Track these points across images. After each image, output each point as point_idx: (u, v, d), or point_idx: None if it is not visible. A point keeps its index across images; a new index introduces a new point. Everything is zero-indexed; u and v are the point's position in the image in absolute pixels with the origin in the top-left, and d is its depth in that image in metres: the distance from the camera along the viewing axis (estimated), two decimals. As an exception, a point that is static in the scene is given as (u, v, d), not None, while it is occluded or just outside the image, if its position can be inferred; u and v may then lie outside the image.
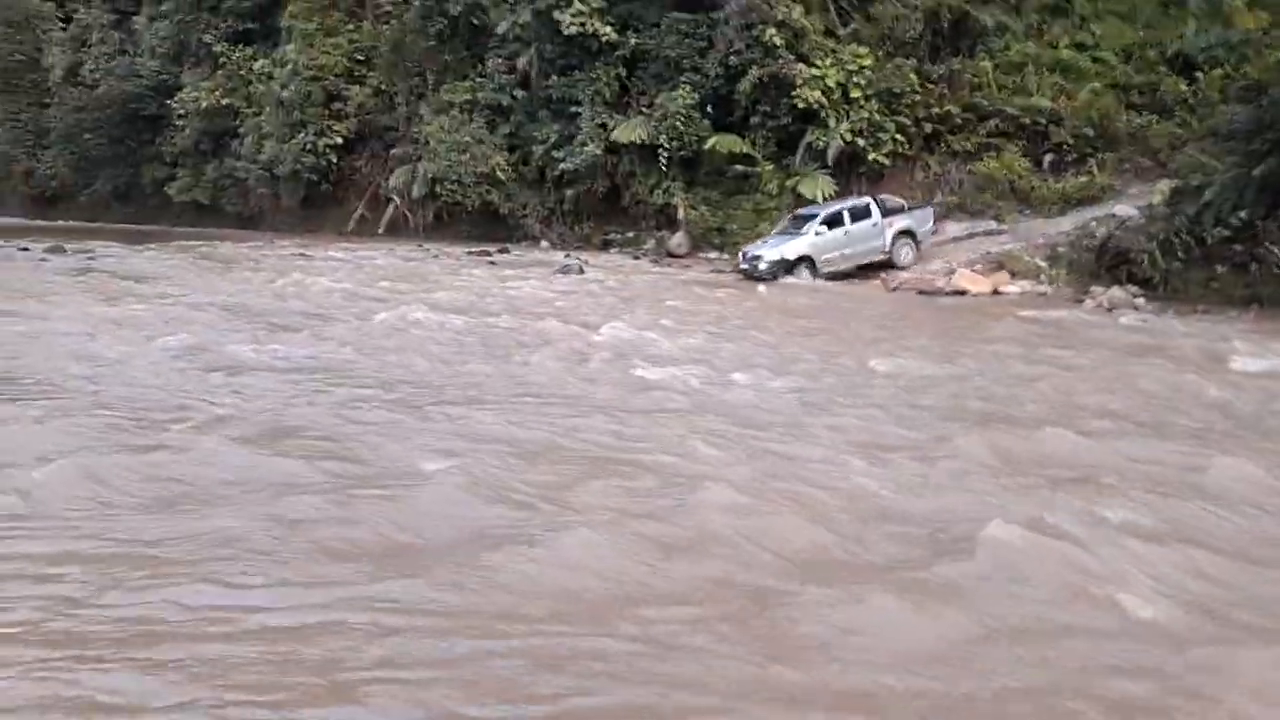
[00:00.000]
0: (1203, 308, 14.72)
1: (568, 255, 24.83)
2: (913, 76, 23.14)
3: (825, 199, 22.74)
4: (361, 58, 34.91)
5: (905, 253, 19.95)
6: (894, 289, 19.07)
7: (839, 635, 3.74)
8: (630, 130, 26.34)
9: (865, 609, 3.94)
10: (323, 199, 35.93)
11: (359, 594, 4.01)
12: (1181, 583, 4.29)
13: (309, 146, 34.01)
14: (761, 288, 18.58)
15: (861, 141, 23.17)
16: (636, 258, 25.73)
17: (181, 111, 38.63)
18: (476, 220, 30.41)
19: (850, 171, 23.96)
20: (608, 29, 27.10)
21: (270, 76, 35.70)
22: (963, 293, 17.84)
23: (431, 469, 5.60)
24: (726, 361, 10.14)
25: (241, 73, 37.46)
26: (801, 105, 23.39)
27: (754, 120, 24.78)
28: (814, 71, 23.35)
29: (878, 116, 23.15)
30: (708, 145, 25.04)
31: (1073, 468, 6.07)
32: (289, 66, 34.61)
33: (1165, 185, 17.28)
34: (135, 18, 43.73)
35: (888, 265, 19.80)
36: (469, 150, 29.28)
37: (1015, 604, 4.06)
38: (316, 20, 35.42)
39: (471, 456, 5.88)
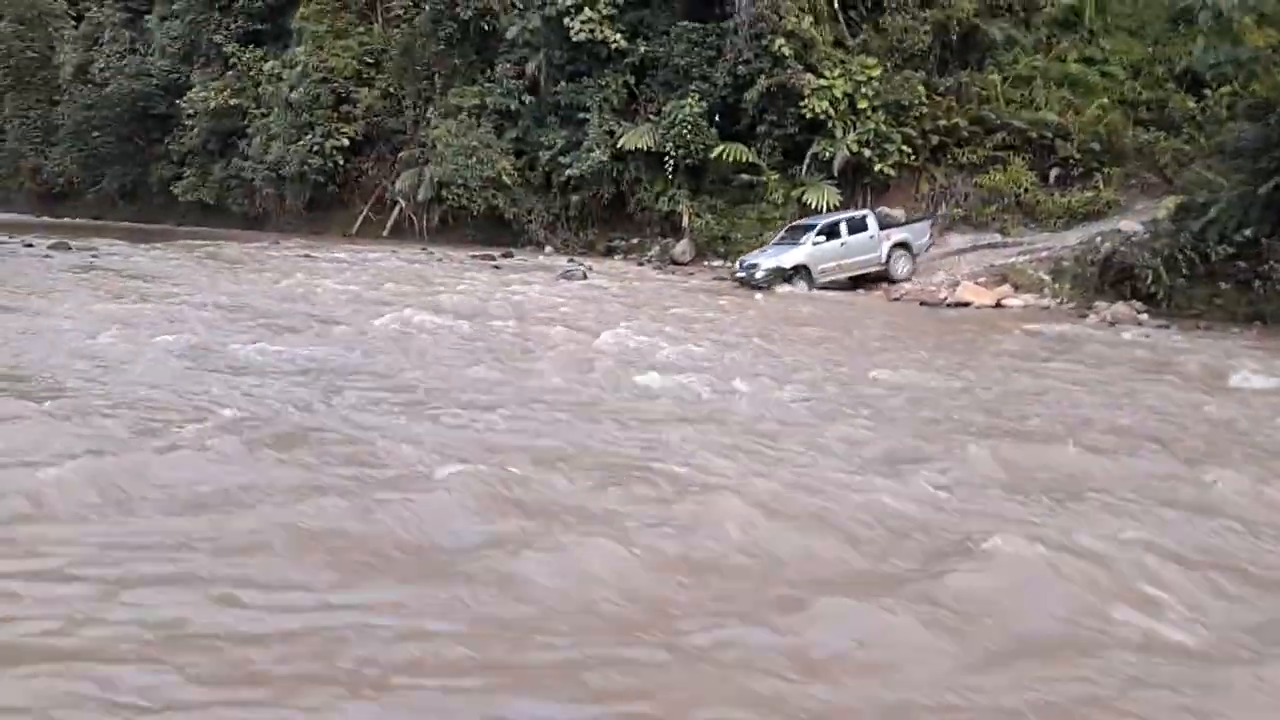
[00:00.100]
0: (1206, 324, 14.70)
1: (571, 260, 24.88)
2: (920, 88, 23.18)
3: (830, 209, 22.81)
4: (371, 60, 35.03)
5: (902, 265, 20.09)
6: (896, 300, 19.09)
7: (860, 649, 3.74)
8: (637, 137, 26.39)
9: (885, 622, 3.93)
10: (329, 201, 36.01)
11: (381, 598, 4.00)
12: (1196, 600, 4.27)
13: (316, 148, 34.10)
14: (759, 295, 18.66)
15: (868, 152, 23.20)
16: (640, 264, 25.77)
17: (190, 111, 38.76)
18: (481, 224, 30.47)
19: (856, 182, 24.00)
20: (617, 36, 27.16)
21: (279, 78, 35.81)
22: (966, 305, 17.85)
23: (445, 474, 5.57)
24: (732, 370, 10.13)
25: (251, 73, 37.58)
26: (809, 115, 23.44)
27: (761, 129, 24.84)
28: (822, 82, 23.39)
29: (884, 128, 23.19)
30: (714, 154, 25.07)
31: (1081, 482, 6.05)
32: (298, 68, 34.73)
33: (1171, 201, 17.28)
34: (147, 17, 43.92)
35: (883, 277, 19.96)
36: (476, 154, 29.34)
37: (1030, 620, 4.05)
38: (327, 22, 35.54)
39: (486, 463, 5.86)
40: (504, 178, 29.36)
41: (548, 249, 29.05)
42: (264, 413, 7.19)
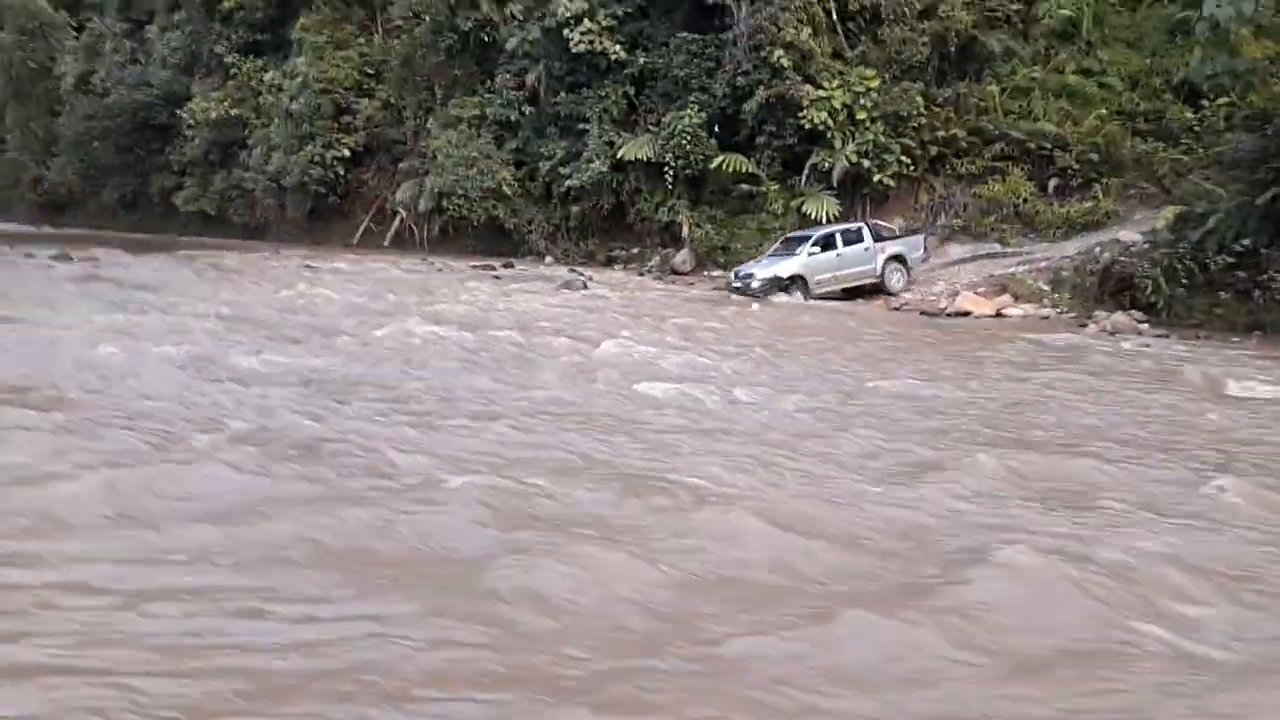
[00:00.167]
0: (1206, 334, 14.78)
1: (572, 271, 24.94)
2: (919, 99, 23.28)
3: (830, 219, 22.94)
4: (371, 71, 35.17)
5: (896, 277, 20.34)
6: (896, 309, 19.16)
7: (892, 662, 3.73)
8: (637, 148, 26.49)
9: (913, 634, 3.92)
10: (329, 211, 36.08)
11: (401, 610, 4.00)
12: (1221, 612, 4.27)
13: (317, 159, 34.20)
14: (755, 305, 18.82)
15: (867, 163, 23.29)
16: (641, 274, 25.84)
17: (191, 121, 38.88)
18: (482, 235, 30.55)
19: (855, 192, 24.10)
20: (616, 47, 27.29)
21: (280, 88, 35.93)
22: (965, 314, 17.92)
23: (459, 485, 5.57)
24: (736, 380, 10.16)
25: (251, 84, 37.72)
26: (807, 126, 23.55)
27: (760, 140, 24.94)
28: (821, 93, 23.50)
29: (883, 138, 23.29)
30: (714, 164, 25.16)
31: (1092, 492, 6.07)
32: (299, 79, 34.84)
33: (1170, 211, 17.36)
34: (148, 27, 44.11)
35: (878, 289, 20.16)
36: (476, 165, 29.43)
37: (1056, 631, 4.04)
38: (327, 33, 35.70)
39: (500, 474, 5.86)
40: (504, 188, 29.45)
41: (548, 259, 29.12)
42: (273, 424, 7.19)
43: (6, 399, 7.62)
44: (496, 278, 24.09)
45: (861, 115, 23.43)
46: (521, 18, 29.42)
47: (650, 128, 27.15)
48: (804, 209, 23.84)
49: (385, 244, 33.55)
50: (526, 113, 30.04)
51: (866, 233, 20.50)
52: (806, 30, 23.88)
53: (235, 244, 34.45)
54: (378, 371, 10.03)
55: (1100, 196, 20.84)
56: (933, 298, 19.39)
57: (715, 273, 24.69)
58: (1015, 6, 23.90)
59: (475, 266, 26.29)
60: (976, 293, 18.96)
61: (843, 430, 7.79)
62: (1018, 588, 4.36)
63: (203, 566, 4.38)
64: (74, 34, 47.22)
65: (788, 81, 23.61)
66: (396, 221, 33.84)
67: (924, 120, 23.31)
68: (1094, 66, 23.17)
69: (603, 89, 27.88)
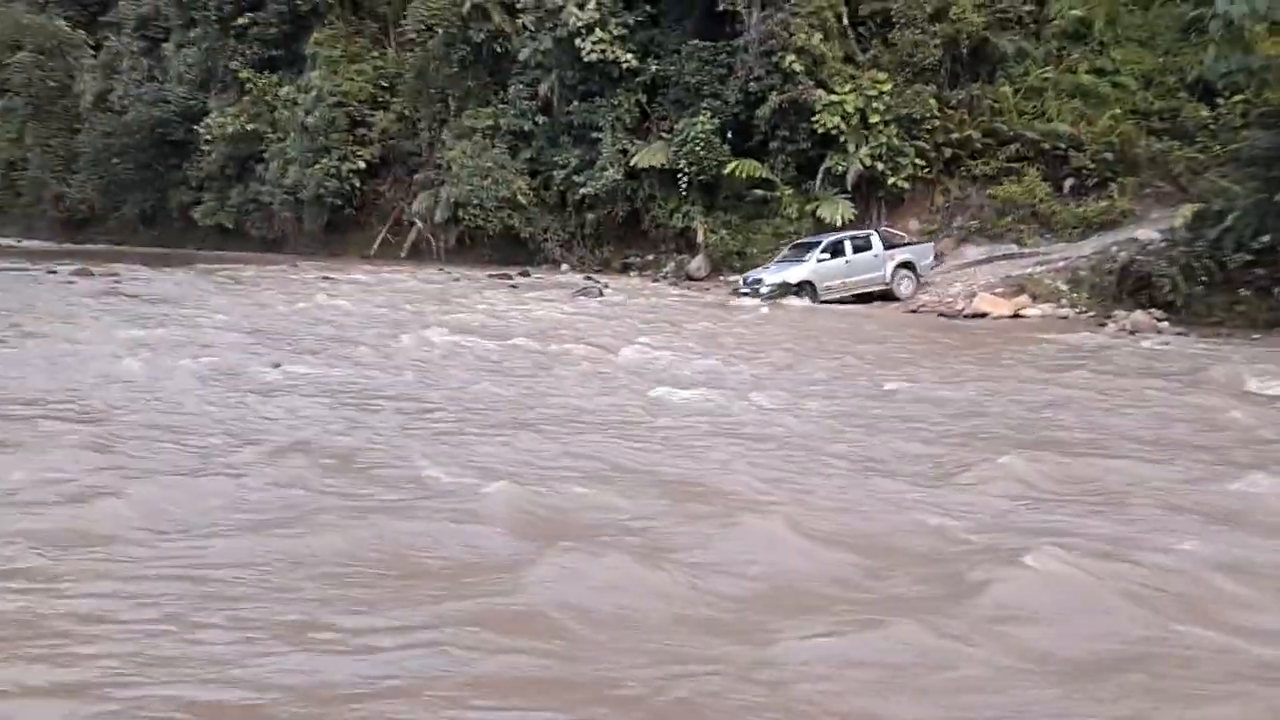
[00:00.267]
0: (1225, 331, 14.70)
1: (587, 278, 25.04)
2: (932, 102, 23.28)
3: (845, 223, 23.01)
4: (385, 84, 35.38)
5: (905, 284, 20.44)
6: (913, 311, 19.15)
7: (943, 669, 3.72)
8: (650, 155, 26.57)
9: (960, 640, 3.92)
10: (346, 223, 36.30)
11: (451, 619, 4.03)
12: (1267, 614, 4.24)
13: (333, 171, 34.41)
14: (764, 308, 18.88)
15: (881, 166, 23.30)
16: (656, 281, 25.91)
17: (208, 137, 39.17)
18: (498, 244, 30.69)
19: (870, 196, 24.10)
20: (628, 56, 27.40)
21: (295, 102, 36.19)
22: (983, 315, 17.89)
23: (494, 492, 5.61)
24: (758, 384, 10.20)
25: (267, 99, 37.99)
26: (821, 130, 23.58)
27: (773, 145, 24.98)
28: (833, 97, 23.53)
29: (897, 141, 23.29)
30: (727, 170, 25.20)
31: (1125, 493, 6.07)
32: (314, 92, 35.09)
33: (1187, 210, 17.28)
34: (164, 45, 44.48)
35: (887, 295, 20.22)
36: (491, 175, 29.58)
37: (1104, 635, 4.03)
38: (341, 47, 35.96)
39: (537, 483, 5.89)
40: (519, 197, 29.58)
41: (564, 267, 29.22)
42: (302, 437, 7.26)
43: (41, 414, 7.73)
44: (513, 286, 24.22)
45: (874, 119, 23.43)
46: (533, 28, 29.54)
47: (663, 135, 27.23)
48: (818, 213, 23.86)
49: (402, 255, 33.72)
50: (540, 122, 30.17)
51: (876, 240, 20.67)
52: (818, 35, 23.91)
53: (253, 257, 34.70)
54: (401, 381, 10.12)
55: (1116, 196, 20.77)
56: (950, 299, 19.36)
57: (731, 278, 24.69)
58: (1027, 7, 23.87)
59: (492, 276, 26.43)
60: (994, 294, 18.92)
61: (872, 434, 7.82)
62: (1065, 592, 4.34)
63: (252, 578, 4.44)
64: (92, 53, 47.67)
65: (800, 86, 23.65)
66: (413, 232, 34.02)
67: (938, 122, 23.31)
68: (1107, 66, 23.08)
69: (615, 97, 27.99)
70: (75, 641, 3.74)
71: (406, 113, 34.72)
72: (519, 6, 29.77)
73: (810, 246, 20.95)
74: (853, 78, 24.00)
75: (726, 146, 25.69)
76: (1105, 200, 20.83)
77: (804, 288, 19.99)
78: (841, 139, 23.58)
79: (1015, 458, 6.72)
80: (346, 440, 7.17)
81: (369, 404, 8.70)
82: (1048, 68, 23.58)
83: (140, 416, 7.87)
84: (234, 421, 7.75)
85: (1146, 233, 18.48)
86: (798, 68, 23.62)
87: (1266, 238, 14.76)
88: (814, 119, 23.53)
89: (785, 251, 21.99)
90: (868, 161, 23.28)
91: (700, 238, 26.18)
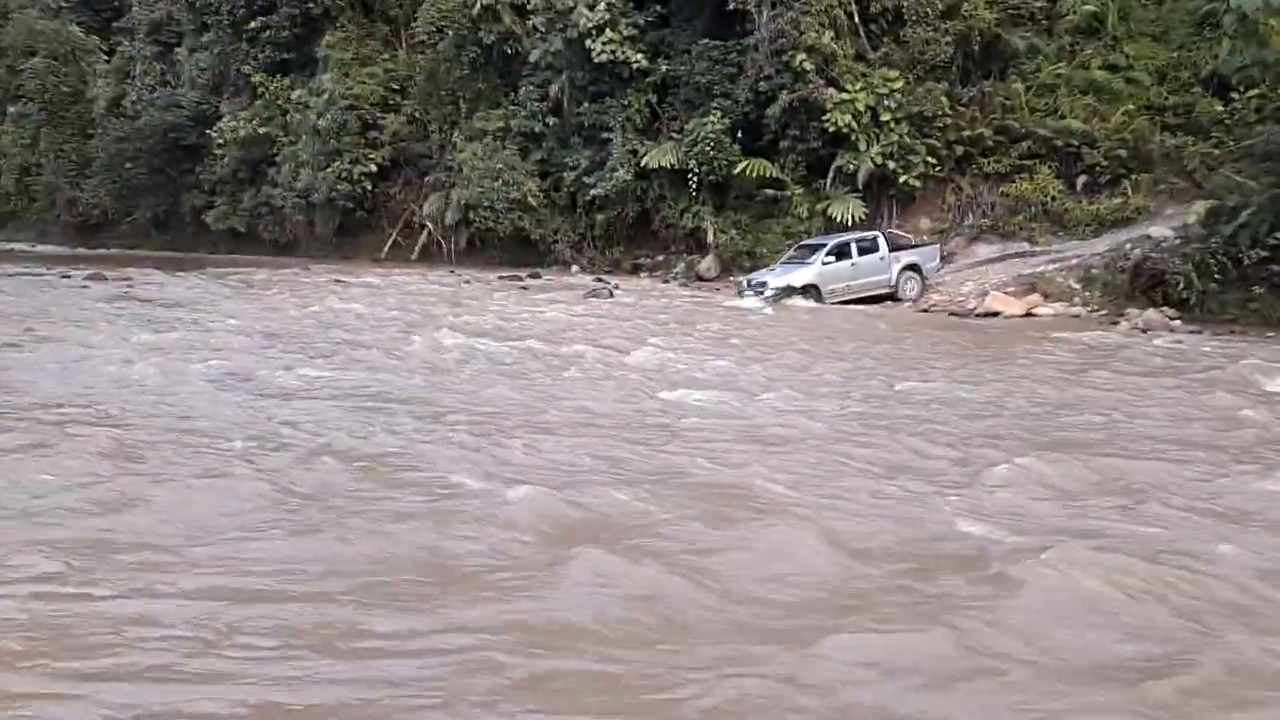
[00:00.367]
0: (1240, 329, 14.60)
1: (598, 279, 25.05)
2: (943, 99, 23.20)
3: (856, 222, 22.97)
4: (396, 87, 35.47)
5: (911, 286, 20.37)
6: (925, 311, 19.08)
7: (981, 673, 3.72)
8: (660, 155, 26.55)
9: (995, 642, 3.93)
10: (357, 226, 36.41)
11: (490, 622, 4.07)
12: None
13: (344, 174, 34.51)
14: (768, 309, 18.87)
15: (892, 164, 23.22)
16: (666, 281, 25.91)
17: (220, 141, 39.33)
18: (508, 246, 30.74)
19: (881, 194, 24.02)
20: (638, 56, 27.39)
21: (307, 106, 36.32)
22: (995, 314, 17.83)
23: (519, 497, 5.64)
24: (773, 385, 10.18)
25: (279, 102, 38.13)
26: (831, 129, 23.51)
27: (784, 144, 24.91)
28: (844, 96, 23.46)
29: (908, 139, 23.21)
30: (737, 170, 25.15)
31: (1149, 492, 6.06)
32: (325, 96, 35.21)
33: (1201, 206, 17.18)
34: (177, 50, 44.69)
35: (892, 298, 20.17)
36: (501, 177, 29.62)
37: (1140, 636, 4.03)
38: (352, 50, 36.07)
39: (559, 486, 5.92)
40: (530, 199, 29.61)
41: (574, 268, 29.24)
42: (323, 440, 7.28)
43: (62, 419, 7.77)
44: (524, 288, 24.26)
45: (886, 117, 23.36)
46: (543, 29, 29.57)
47: (673, 135, 27.21)
48: (829, 212, 23.80)
49: (413, 257, 33.82)
50: (550, 124, 30.20)
51: (882, 242, 20.58)
52: (828, 33, 23.83)
53: (265, 260, 34.85)
54: (415, 385, 10.13)
55: (1130, 193, 20.65)
56: (961, 298, 19.30)
57: (741, 278, 24.66)
58: (1039, 3, 23.76)
59: (502, 277, 26.48)
60: (1006, 292, 18.84)
61: (892, 435, 7.81)
62: (1105, 594, 4.34)
63: (292, 581, 4.47)
64: (105, 58, 47.94)
65: (810, 85, 23.58)
66: (424, 235, 34.11)
67: (949, 120, 23.22)
68: (1120, 61, 22.93)
69: (625, 98, 27.99)
70: (107, 651, 3.76)
71: (417, 115, 34.80)
72: (529, 8, 29.80)
73: (815, 248, 20.84)
74: (863, 76, 23.93)
75: (737, 146, 25.64)
76: (1118, 197, 20.71)
77: (809, 291, 19.89)
78: (852, 137, 23.51)
79: (1037, 458, 6.72)
80: (368, 445, 7.18)
81: (385, 407, 8.71)
82: (1060, 64, 23.46)
83: (160, 421, 7.90)
84: (253, 425, 7.77)
85: (1160, 230, 18.36)
86: (808, 66, 23.55)
87: (1282, 234, 14.65)
88: (825, 118, 23.47)
89: (790, 253, 21.90)
90: (879, 160, 23.20)
91: (710, 238, 26.15)
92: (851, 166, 23.63)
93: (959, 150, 23.21)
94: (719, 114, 25.50)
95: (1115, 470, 6.57)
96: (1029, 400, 9.36)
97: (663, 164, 26.40)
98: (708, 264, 26.00)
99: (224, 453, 6.77)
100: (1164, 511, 5.65)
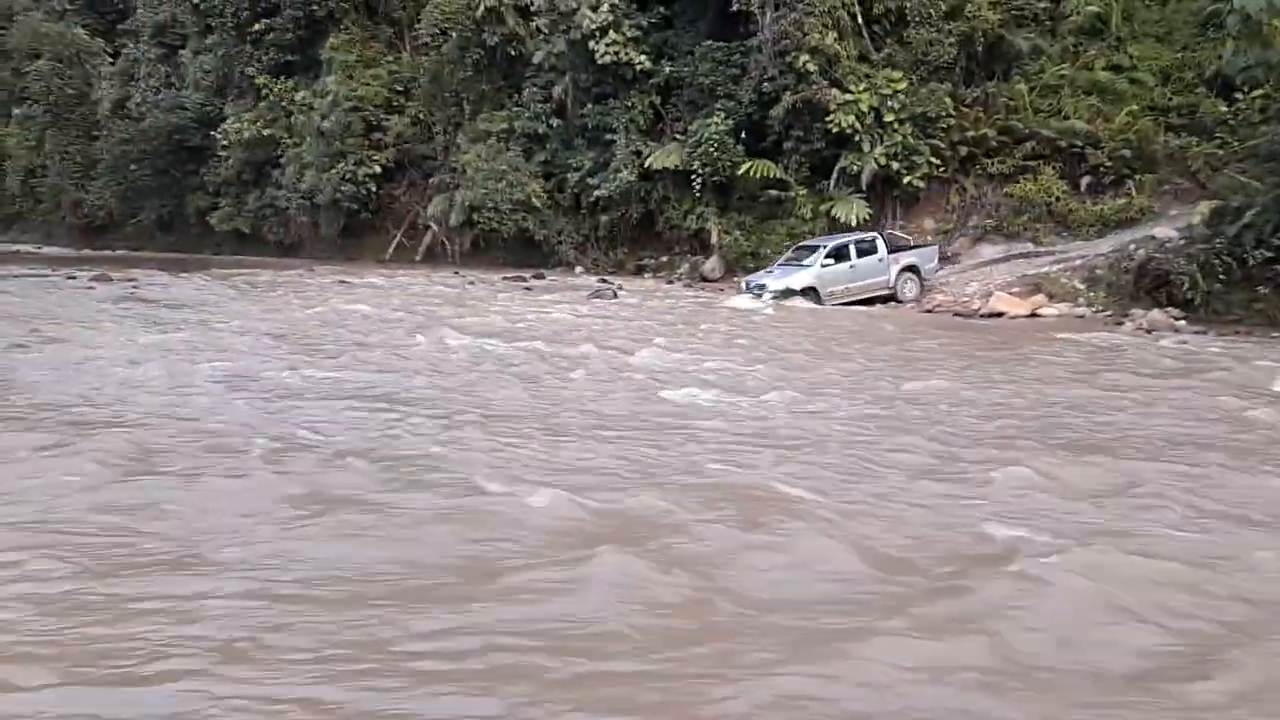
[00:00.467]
0: (1245, 329, 14.60)
1: (602, 280, 25.08)
2: (947, 100, 23.21)
3: (860, 223, 22.97)
4: (400, 88, 35.54)
5: (910, 288, 20.37)
6: (929, 311, 19.09)
7: (1025, 672, 3.73)
8: (664, 157, 26.57)
9: (1035, 644, 3.95)
10: (362, 227, 36.47)
11: (524, 618, 4.11)
12: None
13: (348, 176, 34.58)
14: (768, 309, 18.89)
15: (896, 165, 23.23)
16: (670, 282, 25.94)
17: (224, 142, 39.41)
18: (512, 247, 30.79)
19: (885, 195, 24.04)
20: (642, 58, 27.43)
21: (311, 107, 36.37)
22: (999, 315, 17.84)
23: (543, 501, 5.67)
24: (781, 385, 10.20)
25: (283, 104, 38.18)
26: (835, 130, 23.52)
27: (787, 145, 24.93)
28: (848, 96, 23.46)
29: (912, 140, 23.22)
30: (741, 171, 25.16)
31: (1163, 494, 6.08)
32: (329, 97, 35.27)
33: (1205, 207, 17.18)
34: (181, 52, 44.77)
35: (891, 299, 20.13)
36: (505, 178, 29.67)
37: (1174, 640, 4.03)
38: (356, 52, 36.14)
39: (580, 487, 5.96)
40: (534, 200, 29.65)
41: (578, 269, 29.28)
42: (338, 441, 7.32)
43: (76, 420, 7.80)
44: (528, 289, 24.31)
45: (889, 117, 23.37)
46: (547, 31, 29.61)
47: (677, 136, 27.24)
48: (833, 213, 23.82)
49: (417, 258, 33.87)
50: (554, 125, 30.25)
51: (881, 243, 20.56)
52: (832, 34, 23.84)
53: (270, 262, 34.91)
54: (422, 385, 10.17)
55: (1134, 193, 20.66)
56: (966, 298, 19.30)
57: (742, 279, 24.67)
58: (1042, 4, 23.77)
59: (506, 278, 26.53)
60: (1010, 293, 18.86)
61: (908, 433, 7.85)
62: (1141, 594, 4.35)
63: (324, 584, 4.50)
64: (110, 60, 48.02)
65: (814, 86, 23.59)
66: (428, 236, 34.17)
67: (953, 121, 23.23)
68: (1124, 62, 22.94)
69: (629, 99, 28.03)
70: (138, 656, 3.78)
71: (421, 117, 34.87)
72: (533, 9, 29.85)
73: (813, 249, 20.82)
74: (867, 76, 23.94)
75: (740, 147, 25.66)
76: (1123, 198, 20.72)
77: (808, 294, 19.88)
78: (856, 138, 23.52)
79: (1056, 460, 6.76)
80: (385, 446, 7.21)
81: (396, 409, 8.73)
82: (1064, 64, 23.47)
83: (173, 423, 7.93)
84: (267, 427, 7.78)
85: (1164, 230, 18.38)
86: (811, 67, 23.57)
87: (1287, 234, 14.66)
88: (828, 119, 23.48)
89: (788, 254, 21.90)
90: (883, 161, 23.22)
91: (714, 239, 26.17)
92: (855, 167, 23.65)
93: (963, 151, 23.23)
94: (723, 115, 25.53)
95: (1135, 472, 6.59)
96: (1039, 401, 9.38)
97: (666, 165, 26.43)
98: (712, 265, 26.02)
99: (242, 454, 6.80)
100: (1189, 513, 5.67)
